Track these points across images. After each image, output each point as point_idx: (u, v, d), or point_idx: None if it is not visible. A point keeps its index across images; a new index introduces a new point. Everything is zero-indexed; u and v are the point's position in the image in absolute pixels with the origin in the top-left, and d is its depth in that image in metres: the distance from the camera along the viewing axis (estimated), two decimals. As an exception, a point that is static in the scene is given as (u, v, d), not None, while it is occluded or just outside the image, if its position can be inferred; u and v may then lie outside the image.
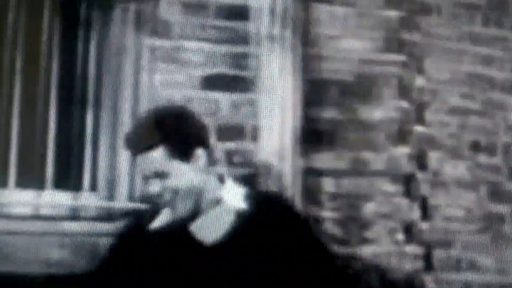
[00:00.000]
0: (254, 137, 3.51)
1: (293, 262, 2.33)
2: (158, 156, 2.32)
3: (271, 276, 2.31)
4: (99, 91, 3.53)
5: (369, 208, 3.59)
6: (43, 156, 3.48)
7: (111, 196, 3.44)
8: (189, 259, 2.35)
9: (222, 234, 2.35)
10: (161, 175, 2.33)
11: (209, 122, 3.36)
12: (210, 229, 2.36)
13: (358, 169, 3.60)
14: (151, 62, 3.48)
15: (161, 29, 3.51)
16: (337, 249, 3.48)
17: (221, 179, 2.46)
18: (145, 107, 3.40)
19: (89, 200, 3.44)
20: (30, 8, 3.52)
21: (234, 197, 2.41)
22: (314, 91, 3.60)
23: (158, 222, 2.41)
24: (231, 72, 3.54)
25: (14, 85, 3.46)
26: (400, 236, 3.63)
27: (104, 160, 3.49)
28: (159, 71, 3.48)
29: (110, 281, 2.44)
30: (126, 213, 3.30)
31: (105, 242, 2.64)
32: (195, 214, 2.36)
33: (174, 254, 2.37)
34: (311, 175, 3.52)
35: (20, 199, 3.38)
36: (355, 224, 3.57)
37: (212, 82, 3.53)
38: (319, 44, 3.67)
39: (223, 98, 3.52)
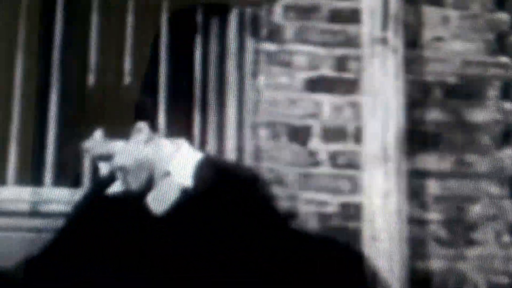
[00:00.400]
0: (357, 139, 3.57)
1: (237, 232, 2.34)
2: (97, 139, 2.39)
3: (215, 247, 2.32)
4: (220, 94, 3.68)
5: (474, 210, 3.57)
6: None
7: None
8: (140, 229, 2.38)
9: (169, 206, 2.37)
10: (105, 157, 2.39)
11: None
12: (160, 200, 2.39)
13: (463, 171, 3.59)
14: (267, 65, 3.60)
15: (275, 33, 3.62)
16: (443, 250, 3.51)
17: (177, 145, 2.49)
18: (262, 110, 3.56)
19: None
20: (147, 12, 3.67)
21: (182, 168, 2.42)
22: (418, 92, 3.62)
23: (115, 188, 2.46)
24: (340, 74, 3.61)
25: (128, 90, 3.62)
26: (507, 238, 3.59)
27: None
28: (275, 74, 3.59)
29: (67, 246, 2.50)
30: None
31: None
32: (149, 185, 2.41)
33: (127, 223, 2.41)
34: (415, 176, 3.54)
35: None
36: (460, 226, 3.56)
37: (323, 85, 3.61)
38: (427, 46, 3.68)
39: (334, 100, 3.60)
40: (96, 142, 2.41)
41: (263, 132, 3.55)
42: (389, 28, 3.63)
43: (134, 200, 2.42)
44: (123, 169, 2.40)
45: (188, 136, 3.64)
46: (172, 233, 2.36)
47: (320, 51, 3.63)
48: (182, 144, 2.53)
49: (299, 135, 3.57)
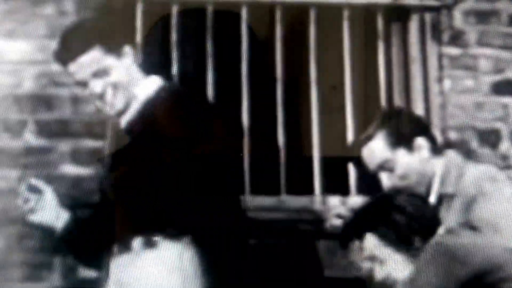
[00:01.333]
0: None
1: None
2: (96, 55, 2.42)
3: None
4: (406, 99, 3.67)
5: None
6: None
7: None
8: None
9: (128, 119, 2.49)
10: (101, 73, 2.43)
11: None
12: (127, 117, 2.49)
13: None
14: (451, 69, 3.60)
15: (457, 38, 3.63)
16: None
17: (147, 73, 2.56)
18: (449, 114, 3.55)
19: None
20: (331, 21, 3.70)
21: (146, 88, 2.51)
22: None
23: None
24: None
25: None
26: None
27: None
28: (459, 78, 3.60)
29: None
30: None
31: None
32: (126, 107, 2.49)
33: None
34: None
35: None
36: None
37: (510, 87, 3.63)
38: None
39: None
40: (93, 58, 2.44)
41: (452, 136, 3.54)
42: None
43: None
44: (115, 86, 2.46)
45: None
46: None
47: (504, 54, 3.64)
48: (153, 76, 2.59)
49: (489, 138, 3.56)
